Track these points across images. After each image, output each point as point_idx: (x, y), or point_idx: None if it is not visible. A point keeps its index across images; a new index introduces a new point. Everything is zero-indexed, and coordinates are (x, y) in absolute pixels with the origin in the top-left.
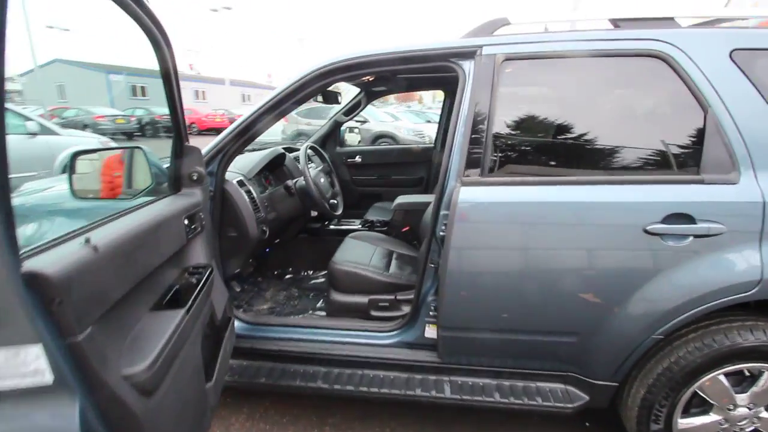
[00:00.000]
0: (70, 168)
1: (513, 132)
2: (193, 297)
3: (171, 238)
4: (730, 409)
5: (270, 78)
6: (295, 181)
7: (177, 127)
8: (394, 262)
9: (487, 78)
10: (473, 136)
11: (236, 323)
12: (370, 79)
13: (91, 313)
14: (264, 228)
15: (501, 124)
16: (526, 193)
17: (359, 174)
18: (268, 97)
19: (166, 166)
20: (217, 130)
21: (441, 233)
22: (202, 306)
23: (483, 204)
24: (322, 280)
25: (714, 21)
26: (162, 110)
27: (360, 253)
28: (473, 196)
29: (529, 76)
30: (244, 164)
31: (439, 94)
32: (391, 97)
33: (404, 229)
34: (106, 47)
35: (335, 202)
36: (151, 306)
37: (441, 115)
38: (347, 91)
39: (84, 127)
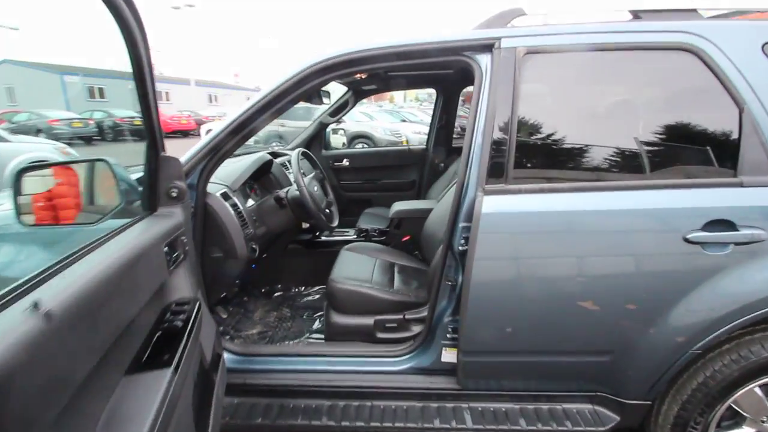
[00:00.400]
0: (14, 188)
1: (539, 134)
2: (181, 348)
3: (150, 275)
4: (764, 422)
5: (237, 78)
6: (286, 190)
7: (152, 134)
8: (397, 276)
9: (507, 74)
10: (495, 139)
11: (225, 356)
12: (362, 77)
13: (43, 416)
14: (253, 245)
15: (525, 125)
16: (556, 201)
17: (347, 178)
18: (260, 96)
19: (136, 177)
20: (182, 133)
21: (460, 247)
22: (192, 355)
23: (509, 215)
24: (317, 296)
25: (734, 13)
26: (123, 113)
27: (359, 267)
28: (498, 206)
29: (554, 72)
30: (227, 173)
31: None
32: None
33: (404, 239)
34: (60, 47)
35: (330, 212)
36: (127, 367)
37: (433, 115)
38: (333, 91)
39: (37, 132)
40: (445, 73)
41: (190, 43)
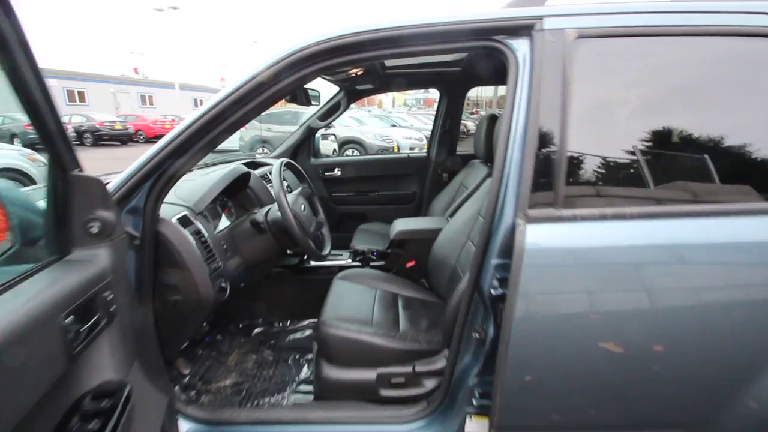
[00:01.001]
0: None
1: (599, 143)
2: None
3: (31, 372)
4: None
5: (224, 82)
6: (266, 211)
7: (52, 147)
8: (403, 314)
9: (553, 63)
10: (541, 149)
11: (185, 426)
12: (357, 74)
13: None
14: (222, 283)
15: (581, 130)
16: (627, 230)
17: (339, 190)
18: (220, 96)
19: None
20: None
21: (492, 291)
22: None
23: (564, 251)
24: (306, 333)
25: None
26: (103, 117)
27: (356, 303)
28: (548, 238)
29: (618, 62)
30: (190, 190)
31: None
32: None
33: (409, 264)
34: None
35: (321, 236)
36: None
37: (435, 119)
38: (322, 91)
39: (12, 136)
40: (450, 71)
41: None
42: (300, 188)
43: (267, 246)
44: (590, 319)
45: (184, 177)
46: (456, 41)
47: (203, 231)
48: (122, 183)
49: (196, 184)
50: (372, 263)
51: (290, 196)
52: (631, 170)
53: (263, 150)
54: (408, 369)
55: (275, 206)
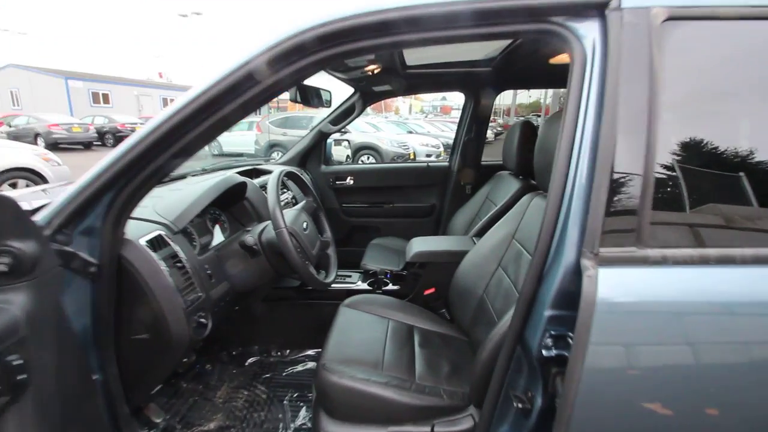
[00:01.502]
0: None
1: (700, 158)
2: None
3: None
4: None
5: None
6: (261, 230)
7: None
8: (419, 352)
9: (636, 53)
10: (619, 167)
11: None
12: (375, 72)
13: None
14: (202, 318)
15: (674, 142)
16: (742, 281)
17: (351, 200)
18: (200, 89)
19: None
20: None
21: (544, 352)
22: None
23: (651, 306)
24: (306, 365)
25: None
26: (125, 118)
27: (364, 339)
28: (629, 287)
29: (724, 51)
30: (171, 204)
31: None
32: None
33: (427, 292)
34: (66, 52)
35: (327, 256)
36: None
37: (459, 125)
38: (334, 92)
39: (36, 136)
40: (480, 72)
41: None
42: (304, 202)
43: (260, 271)
44: (691, 408)
45: (172, 187)
46: (499, 23)
47: (181, 254)
48: (73, 197)
49: (180, 196)
50: (384, 288)
51: (291, 212)
52: (745, 196)
53: (278, 154)
54: (425, 429)
55: (270, 225)
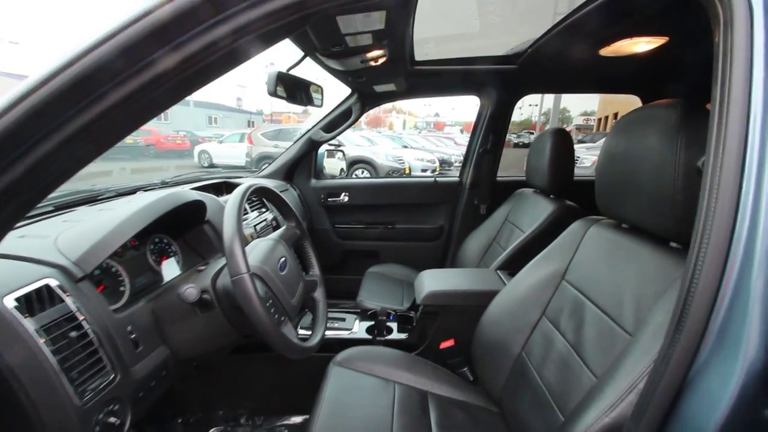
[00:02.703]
0: None
1: None
2: None
3: None
4: None
5: (240, 101)
6: (216, 273)
7: None
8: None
9: None
10: None
11: None
12: (378, 63)
13: None
14: (113, 418)
15: None
16: None
17: (345, 220)
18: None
19: None
20: (176, 152)
21: None
22: None
23: None
24: None
25: None
26: None
27: (365, 417)
28: None
29: None
30: (80, 235)
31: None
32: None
33: (445, 345)
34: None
35: (312, 301)
36: None
37: (473, 135)
38: (326, 89)
39: None
40: (503, 70)
41: None
42: (284, 228)
43: (216, 331)
44: None
45: (105, 206)
46: None
47: (81, 314)
48: None
49: (96, 223)
50: (386, 337)
51: (263, 244)
52: None
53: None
54: None
55: (225, 268)
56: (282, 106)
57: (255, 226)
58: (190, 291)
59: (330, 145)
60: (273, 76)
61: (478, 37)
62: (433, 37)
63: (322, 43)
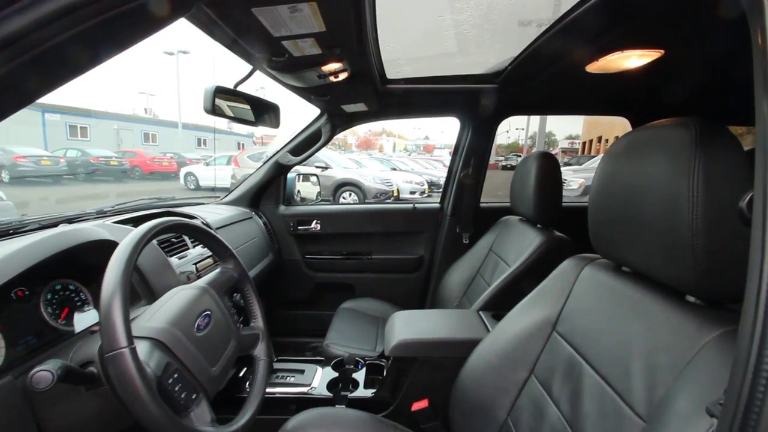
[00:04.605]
0: None
1: None
2: None
3: None
4: None
5: (230, 123)
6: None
7: None
8: None
9: None
10: None
11: None
12: (339, 79)
13: None
14: None
15: None
16: None
17: (316, 250)
18: None
19: None
20: (162, 174)
21: None
22: None
23: None
24: None
25: None
26: (98, 152)
27: None
28: None
29: None
30: None
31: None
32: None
33: (417, 406)
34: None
35: (253, 361)
36: None
37: (454, 158)
38: (289, 109)
39: (0, 168)
40: (480, 90)
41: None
42: (216, 272)
43: (105, 413)
44: None
45: None
46: None
47: None
48: None
49: None
50: (350, 394)
51: (181, 295)
52: None
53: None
54: None
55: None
56: (272, 129)
57: (196, 264)
58: (42, 375)
59: (316, 167)
60: (210, 90)
61: (455, 55)
62: (406, 56)
63: (259, 51)
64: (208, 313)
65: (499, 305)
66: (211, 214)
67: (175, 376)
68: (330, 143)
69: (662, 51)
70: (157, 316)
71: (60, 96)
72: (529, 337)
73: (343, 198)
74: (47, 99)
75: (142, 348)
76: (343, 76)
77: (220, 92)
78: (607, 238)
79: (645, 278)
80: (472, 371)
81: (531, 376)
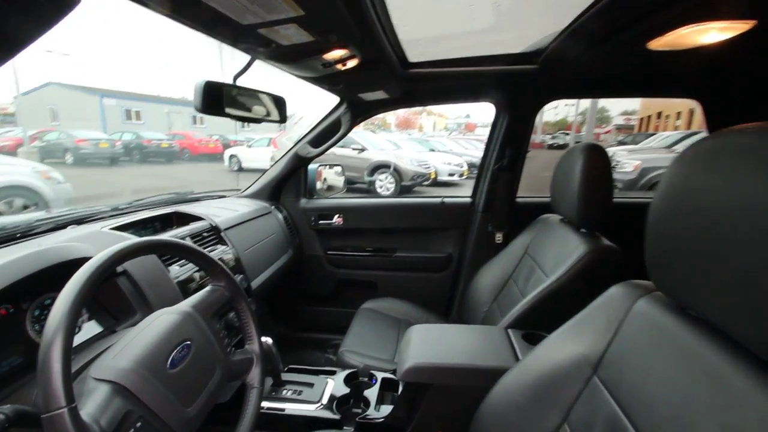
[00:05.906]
0: None
1: None
2: None
3: None
4: None
5: None
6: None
7: None
8: None
9: None
10: None
11: None
12: (348, 63)
13: None
14: None
15: None
16: None
17: (339, 246)
18: None
19: None
20: (209, 156)
21: None
22: None
23: None
24: None
25: None
26: (151, 134)
27: None
28: None
29: None
30: None
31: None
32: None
33: None
34: (103, 72)
35: (247, 388)
36: None
37: (487, 149)
38: (306, 98)
39: (65, 151)
40: (519, 71)
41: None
42: (204, 292)
43: None
44: None
45: None
46: None
47: None
48: None
49: None
50: (360, 416)
51: (155, 325)
52: None
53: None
54: None
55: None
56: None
57: (198, 271)
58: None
59: (353, 149)
60: (200, 86)
61: (488, 32)
62: (428, 35)
63: (239, 42)
64: (188, 343)
65: (532, 322)
66: (225, 211)
67: (138, 425)
68: (369, 122)
69: (754, 21)
70: (124, 351)
71: (113, 82)
72: (563, 377)
73: (380, 180)
74: (103, 84)
75: (98, 396)
76: (352, 63)
77: (214, 87)
78: (672, 273)
79: (721, 332)
80: (493, 407)
81: (564, 425)
